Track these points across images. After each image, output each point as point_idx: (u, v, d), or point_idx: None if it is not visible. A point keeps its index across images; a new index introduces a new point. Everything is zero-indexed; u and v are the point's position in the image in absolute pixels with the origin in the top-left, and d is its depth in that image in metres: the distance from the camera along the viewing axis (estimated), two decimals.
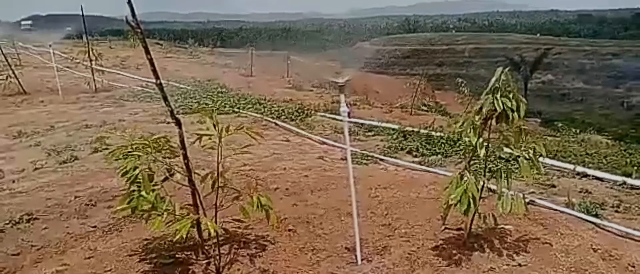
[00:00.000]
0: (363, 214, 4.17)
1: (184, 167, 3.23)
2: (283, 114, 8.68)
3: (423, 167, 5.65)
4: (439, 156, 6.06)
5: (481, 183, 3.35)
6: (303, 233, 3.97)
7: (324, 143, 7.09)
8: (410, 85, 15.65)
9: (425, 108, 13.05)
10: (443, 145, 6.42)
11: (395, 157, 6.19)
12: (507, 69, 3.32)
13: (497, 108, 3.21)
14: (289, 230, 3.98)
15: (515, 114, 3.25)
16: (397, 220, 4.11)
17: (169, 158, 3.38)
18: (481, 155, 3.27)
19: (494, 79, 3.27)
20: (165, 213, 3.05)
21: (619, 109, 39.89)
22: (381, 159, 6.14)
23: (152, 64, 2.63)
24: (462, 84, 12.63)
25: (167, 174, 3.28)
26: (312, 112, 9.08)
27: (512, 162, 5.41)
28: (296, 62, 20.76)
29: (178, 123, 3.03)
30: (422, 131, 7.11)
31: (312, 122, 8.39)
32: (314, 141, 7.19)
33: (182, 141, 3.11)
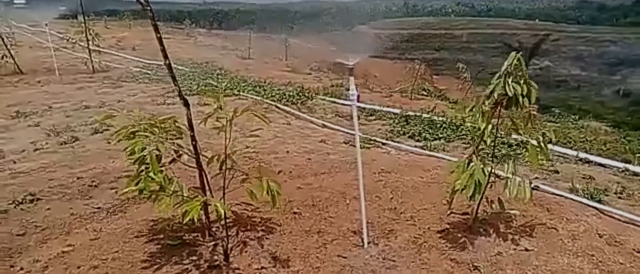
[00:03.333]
0: (368, 198, 4.16)
1: (192, 148, 3.20)
2: (284, 97, 8.62)
3: (426, 151, 5.65)
4: (442, 140, 6.05)
5: (489, 169, 3.35)
6: (309, 215, 3.96)
7: (325, 126, 7.07)
8: (409, 69, 15.59)
9: (424, 93, 13.00)
10: (445, 130, 6.41)
11: (398, 142, 6.18)
12: (520, 54, 3.28)
13: (508, 93, 3.19)
14: (295, 213, 3.98)
15: (526, 99, 3.23)
16: (402, 204, 4.12)
17: (173, 139, 3.34)
18: (488, 142, 3.26)
19: (506, 64, 3.24)
20: (173, 194, 3.02)
21: (615, 96, 39.98)
22: (384, 144, 6.13)
23: (161, 43, 2.57)
24: (464, 69, 12.57)
25: (175, 156, 3.25)
26: (313, 95, 9.03)
27: (518, 147, 5.42)
28: (294, 45, 20.62)
29: (186, 104, 2.99)
30: (424, 115, 7.08)
31: (312, 105, 8.35)
32: (315, 125, 7.16)
33: (190, 122, 3.07)
